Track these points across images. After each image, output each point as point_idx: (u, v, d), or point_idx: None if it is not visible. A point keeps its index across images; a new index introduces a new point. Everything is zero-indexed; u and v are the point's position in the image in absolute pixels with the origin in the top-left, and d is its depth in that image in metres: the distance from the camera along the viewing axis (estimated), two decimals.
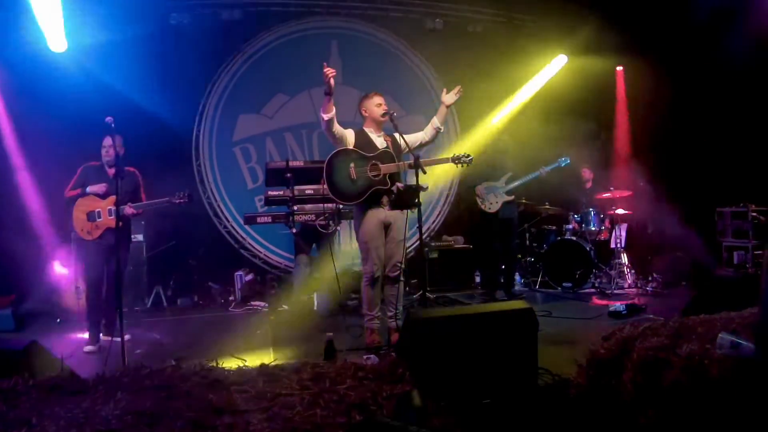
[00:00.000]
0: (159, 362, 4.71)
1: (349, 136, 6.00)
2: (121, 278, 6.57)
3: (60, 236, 8.39)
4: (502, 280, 9.25)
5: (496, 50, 10.93)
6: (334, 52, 10.77)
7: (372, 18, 10.94)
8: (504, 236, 9.08)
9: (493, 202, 8.91)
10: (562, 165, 9.07)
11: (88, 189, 6.65)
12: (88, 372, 4.63)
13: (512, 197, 9.02)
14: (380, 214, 5.94)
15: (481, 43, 11.07)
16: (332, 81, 5.55)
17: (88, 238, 6.65)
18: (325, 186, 5.89)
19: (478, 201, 8.97)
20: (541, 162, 9.06)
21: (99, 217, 6.60)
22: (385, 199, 5.95)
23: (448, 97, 6.14)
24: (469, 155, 6.20)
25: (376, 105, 6.03)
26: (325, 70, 5.51)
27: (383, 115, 5.98)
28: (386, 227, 6.00)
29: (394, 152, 6.00)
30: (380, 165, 5.87)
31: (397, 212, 6.02)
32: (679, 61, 9.93)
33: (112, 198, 6.47)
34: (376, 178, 5.85)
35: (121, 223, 6.24)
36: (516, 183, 9.00)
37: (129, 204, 6.67)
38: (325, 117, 5.71)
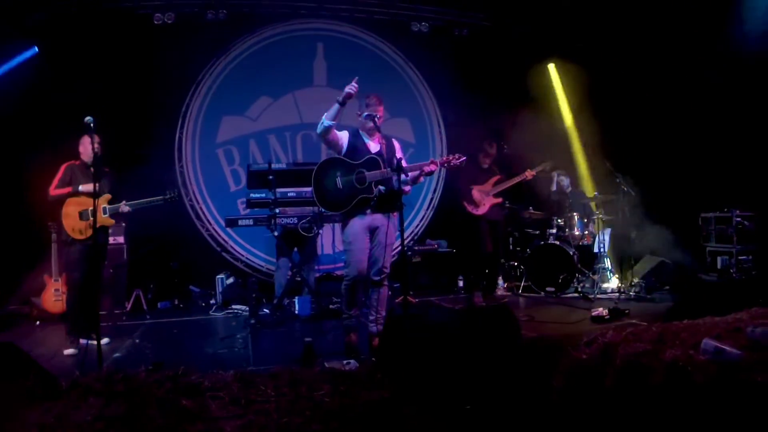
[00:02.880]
0: (136, 367, 4.64)
1: (343, 138, 5.96)
2: (101, 281, 6.52)
3: (41, 237, 8.26)
4: (483, 284, 9.22)
5: (482, 54, 10.92)
6: (319, 54, 10.72)
7: (358, 20, 10.89)
8: (492, 238, 9.07)
9: (480, 204, 8.89)
10: (547, 169, 9.10)
11: (81, 188, 6.57)
12: (65, 375, 4.56)
13: (500, 199, 9.06)
14: (365, 220, 5.93)
15: (466, 47, 11.05)
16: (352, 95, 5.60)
17: (80, 238, 6.55)
18: (314, 197, 5.94)
19: (465, 204, 8.93)
20: (526, 165, 9.09)
21: (92, 215, 6.49)
22: (371, 205, 5.91)
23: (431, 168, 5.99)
24: (461, 156, 6.05)
25: (368, 115, 5.91)
26: (353, 84, 5.54)
27: (373, 126, 5.90)
28: (372, 232, 5.98)
29: (388, 155, 5.93)
30: (366, 173, 5.84)
31: (384, 217, 5.98)
32: (664, 66, 9.96)
33: (107, 196, 6.66)
34: (362, 186, 5.83)
35: (114, 222, 6.60)
36: (503, 186, 9.03)
37: (124, 202, 6.69)
38: (328, 123, 5.70)
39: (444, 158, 6.09)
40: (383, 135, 6.02)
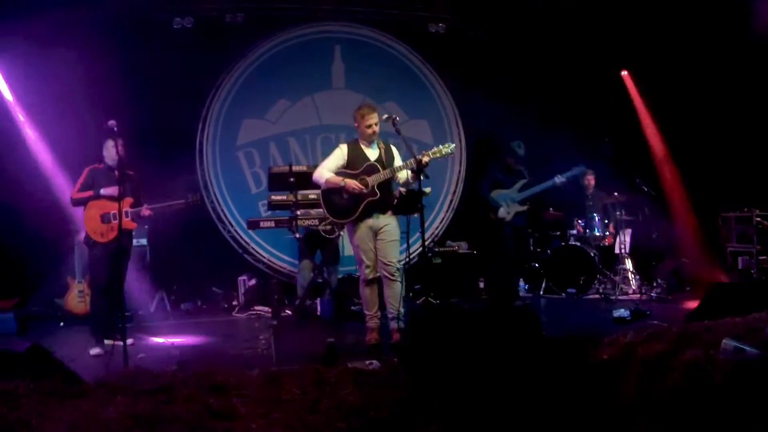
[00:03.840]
0: (161, 366, 4.70)
1: (342, 155, 6.24)
2: (124, 282, 6.61)
3: (63, 239, 8.37)
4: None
5: (499, 55, 10.91)
6: (337, 57, 10.75)
7: (375, 22, 10.90)
8: (516, 243, 9.04)
9: (504, 211, 8.79)
10: (578, 174, 8.98)
11: (102, 191, 6.61)
12: (90, 375, 4.62)
13: (525, 207, 8.92)
14: (369, 221, 6.15)
15: (483, 48, 11.03)
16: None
17: (101, 240, 6.60)
18: (324, 211, 6.41)
19: (491, 213, 8.86)
20: (554, 168, 8.93)
21: (114, 218, 6.54)
22: (376, 208, 6.14)
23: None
24: (450, 144, 6.15)
25: (366, 126, 6.17)
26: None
27: (372, 134, 6.19)
28: (377, 232, 6.17)
29: (386, 159, 6.22)
30: (367, 178, 6.07)
31: (385, 217, 6.19)
32: (682, 65, 9.91)
33: (129, 200, 6.64)
34: (365, 192, 6.03)
35: (136, 225, 6.75)
36: (529, 191, 8.88)
37: (145, 206, 6.77)
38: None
39: (434, 149, 6.12)
40: (384, 141, 6.35)
